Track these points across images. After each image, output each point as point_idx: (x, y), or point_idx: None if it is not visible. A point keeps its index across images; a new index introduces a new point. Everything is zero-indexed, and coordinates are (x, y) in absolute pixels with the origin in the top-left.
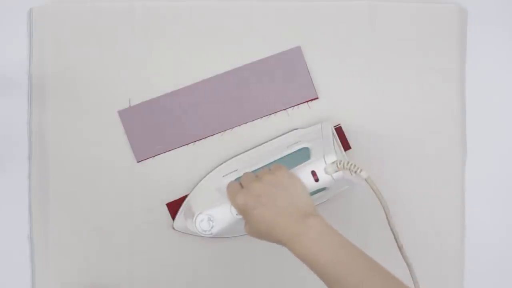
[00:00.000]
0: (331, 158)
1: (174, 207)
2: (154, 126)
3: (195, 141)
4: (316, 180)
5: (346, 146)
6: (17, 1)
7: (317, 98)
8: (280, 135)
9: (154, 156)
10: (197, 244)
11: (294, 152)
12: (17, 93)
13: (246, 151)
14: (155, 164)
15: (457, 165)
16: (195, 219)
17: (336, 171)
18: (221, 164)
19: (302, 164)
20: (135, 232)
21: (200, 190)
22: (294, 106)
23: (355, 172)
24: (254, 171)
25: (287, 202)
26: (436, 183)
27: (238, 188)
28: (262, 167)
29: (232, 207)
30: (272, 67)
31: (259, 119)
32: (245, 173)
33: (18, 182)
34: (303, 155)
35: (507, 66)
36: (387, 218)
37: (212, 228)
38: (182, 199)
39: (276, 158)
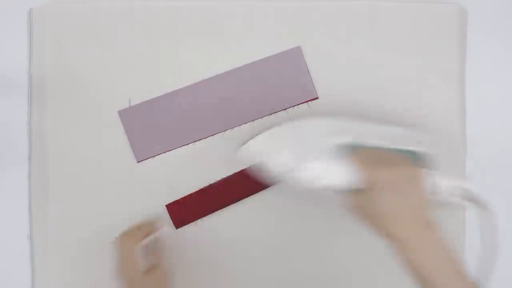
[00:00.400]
0: (462, 183)
1: (174, 208)
2: (154, 126)
3: (195, 141)
4: (434, 193)
5: None
6: (17, 1)
7: (317, 98)
8: (400, 126)
9: (154, 156)
10: (197, 244)
11: (415, 151)
12: (17, 93)
13: (358, 121)
14: (155, 164)
15: (457, 165)
16: (307, 161)
17: (458, 197)
18: (329, 118)
19: (433, 172)
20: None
21: (302, 132)
22: (294, 106)
23: (482, 207)
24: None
25: (417, 203)
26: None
27: (371, 161)
28: (382, 148)
29: (354, 174)
30: (272, 67)
31: (259, 119)
32: (381, 151)
33: (18, 182)
34: (420, 159)
35: (507, 66)
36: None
37: (321, 179)
38: (182, 199)
39: (397, 148)
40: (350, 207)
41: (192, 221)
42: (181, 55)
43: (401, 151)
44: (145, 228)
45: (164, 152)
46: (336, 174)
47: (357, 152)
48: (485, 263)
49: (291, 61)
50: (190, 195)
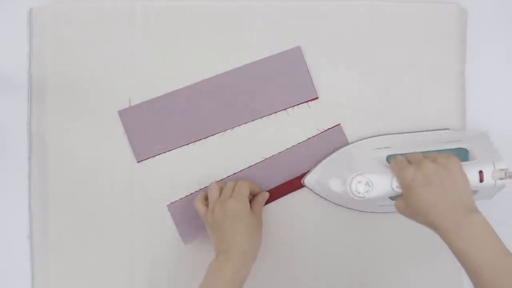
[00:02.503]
0: (501, 165)
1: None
2: (154, 126)
3: (195, 141)
4: (481, 180)
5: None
6: (17, 1)
7: (317, 98)
8: (430, 130)
9: (154, 156)
10: (197, 245)
11: (452, 149)
12: (17, 93)
13: (395, 133)
14: (155, 164)
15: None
16: (352, 179)
17: (502, 179)
18: (371, 137)
19: (470, 161)
20: (135, 232)
21: (347, 155)
22: (294, 106)
23: None
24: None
25: (454, 190)
26: None
27: (406, 163)
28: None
29: (394, 179)
30: (272, 67)
31: (259, 119)
32: (412, 154)
33: (18, 182)
34: (460, 154)
35: (507, 66)
36: None
37: (366, 192)
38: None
39: (433, 149)
40: (400, 210)
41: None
42: (181, 55)
43: (437, 151)
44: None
45: (164, 152)
46: (382, 184)
47: (395, 159)
48: None
49: (291, 61)
50: (191, 195)
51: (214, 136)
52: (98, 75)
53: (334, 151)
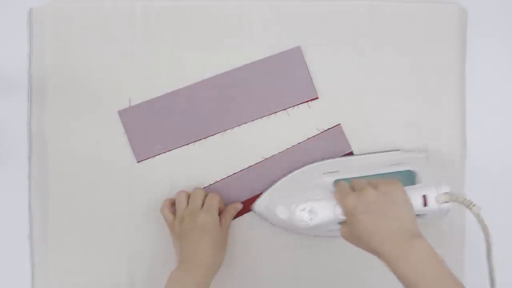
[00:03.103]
0: (445, 188)
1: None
2: (154, 126)
3: (195, 141)
4: (425, 205)
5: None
6: (17, 1)
7: (317, 98)
8: (381, 152)
9: (154, 156)
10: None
11: (399, 172)
12: (17, 93)
13: (346, 156)
14: (155, 164)
15: (457, 165)
16: (296, 207)
17: (446, 202)
18: (321, 161)
19: (415, 185)
20: (135, 232)
21: (295, 182)
22: (294, 106)
23: (467, 206)
24: (357, 178)
25: (396, 217)
26: None
27: (349, 189)
28: (365, 177)
29: (337, 206)
30: (272, 67)
31: (259, 119)
32: (356, 180)
33: (18, 182)
34: (407, 177)
35: (507, 66)
36: (488, 254)
37: (310, 220)
38: None
39: (379, 172)
40: (345, 237)
41: None
42: (181, 55)
43: (385, 175)
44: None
45: (164, 152)
46: (325, 211)
47: (338, 184)
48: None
49: (291, 61)
50: None
51: (214, 136)
52: (98, 75)
53: (283, 176)
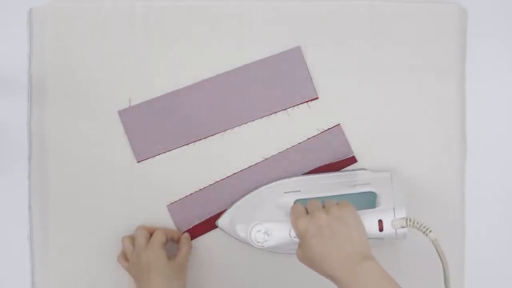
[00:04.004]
0: (402, 213)
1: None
2: (154, 126)
3: (195, 141)
4: (381, 229)
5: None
6: (17, 1)
7: (317, 98)
8: (347, 171)
9: (154, 156)
10: (198, 245)
11: (360, 193)
12: (17, 93)
13: (310, 174)
14: (155, 164)
15: (457, 165)
16: (252, 227)
17: (403, 227)
18: (284, 179)
19: (371, 209)
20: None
21: (258, 199)
22: (294, 106)
23: (424, 232)
24: (317, 198)
25: (347, 240)
26: (436, 183)
27: (303, 212)
28: (325, 197)
29: (292, 229)
30: (272, 67)
31: (259, 119)
32: (312, 200)
33: (18, 182)
34: (368, 198)
35: (507, 66)
36: (445, 280)
37: (265, 241)
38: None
39: (341, 193)
40: (300, 259)
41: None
42: (181, 55)
43: (346, 196)
44: (168, 231)
45: (164, 152)
46: (280, 233)
47: (293, 206)
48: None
49: (291, 61)
50: (191, 195)
51: (214, 136)
52: (98, 75)
53: (248, 192)
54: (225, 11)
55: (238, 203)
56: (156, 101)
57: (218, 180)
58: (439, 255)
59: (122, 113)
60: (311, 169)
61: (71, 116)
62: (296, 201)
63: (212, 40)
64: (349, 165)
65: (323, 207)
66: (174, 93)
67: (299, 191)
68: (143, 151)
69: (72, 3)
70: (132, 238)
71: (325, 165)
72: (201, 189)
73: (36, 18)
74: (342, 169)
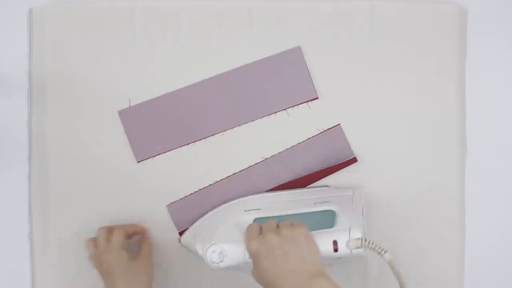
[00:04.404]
0: (357, 234)
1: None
2: (154, 126)
3: (195, 141)
4: (335, 250)
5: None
6: (17, 1)
7: (317, 98)
8: (311, 187)
9: (154, 156)
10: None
11: (320, 211)
12: (17, 93)
13: (272, 191)
14: (155, 164)
15: (457, 165)
16: (207, 248)
17: (358, 248)
18: (246, 197)
19: (326, 230)
20: None
21: (217, 217)
22: (294, 106)
23: (379, 253)
24: (276, 217)
25: (298, 260)
26: (436, 183)
27: (256, 233)
28: (284, 216)
29: (245, 249)
30: (272, 67)
31: (259, 119)
32: (267, 220)
33: (18, 182)
34: (327, 217)
35: (507, 66)
36: None
37: (221, 262)
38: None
39: (300, 211)
40: (255, 279)
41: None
42: (181, 55)
43: (305, 215)
44: (130, 227)
45: (164, 152)
46: (235, 254)
47: (248, 227)
48: None
49: (291, 61)
50: (191, 195)
51: (214, 136)
52: (98, 75)
53: (214, 207)
54: (225, 11)
55: (199, 222)
56: (156, 101)
57: (218, 180)
58: (396, 276)
59: (122, 113)
60: (311, 169)
61: (71, 116)
62: (255, 220)
63: (212, 40)
64: (349, 165)
65: (277, 227)
66: (174, 93)
67: (259, 209)
68: (143, 151)
69: (72, 3)
70: (95, 240)
71: (327, 167)
72: (201, 189)
73: (36, 18)
74: (307, 186)
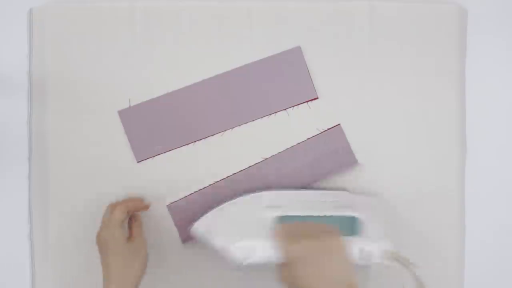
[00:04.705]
0: (386, 245)
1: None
2: (154, 126)
3: (195, 141)
4: (363, 259)
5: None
6: (17, 1)
7: (317, 98)
8: (327, 190)
9: (154, 156)
10: (197, 244)
11: (342, 216)
12: (17, 93)
13: (292, 189)
14: (155, 164)
15: (457, 165)
16: (233, 243)
17: (384, 259)
18: (265, 191)
19: (355, 237)
20: None
21: (236, 210)
22: (294, 106)
23: (406, 266)
24: (300, 217)
25: (336, 269)
26: (436, 183)
27: (291, 235)
28: (308, 217)
29: (276, 250)
30: (272, 67)
31: (259, 119)
32: (302, 224)
33: (18, 182)
34: (349, 223)
35: (507, 66)
36: None
37: (247, 258)
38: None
39: (323, 214)
40: (279, 280)
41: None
42: (181, 55)
43: (328, 218)
44: (131, 203)
45: (164, 152)
46: (263, 250)
47: (280, 228)
48: None
49: (291, 61)
50: (191, 195)
51: (214, 136)
52: (98, 75)
53: (224, 201)
54: (225, 11)
55: (213, 212)
56: (156, 101)
57: (218, 180)
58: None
59: (122, 113)
60: (311, 169)
61: (71, 116)
62: (279, 218)
63: (212, 40)
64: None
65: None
66: (174, 93)
67: (280, 206)
68: (143, 151)
69: (72, 3)
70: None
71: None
72: (201, 189)
73: (36, 18)
74: (323, 188)
